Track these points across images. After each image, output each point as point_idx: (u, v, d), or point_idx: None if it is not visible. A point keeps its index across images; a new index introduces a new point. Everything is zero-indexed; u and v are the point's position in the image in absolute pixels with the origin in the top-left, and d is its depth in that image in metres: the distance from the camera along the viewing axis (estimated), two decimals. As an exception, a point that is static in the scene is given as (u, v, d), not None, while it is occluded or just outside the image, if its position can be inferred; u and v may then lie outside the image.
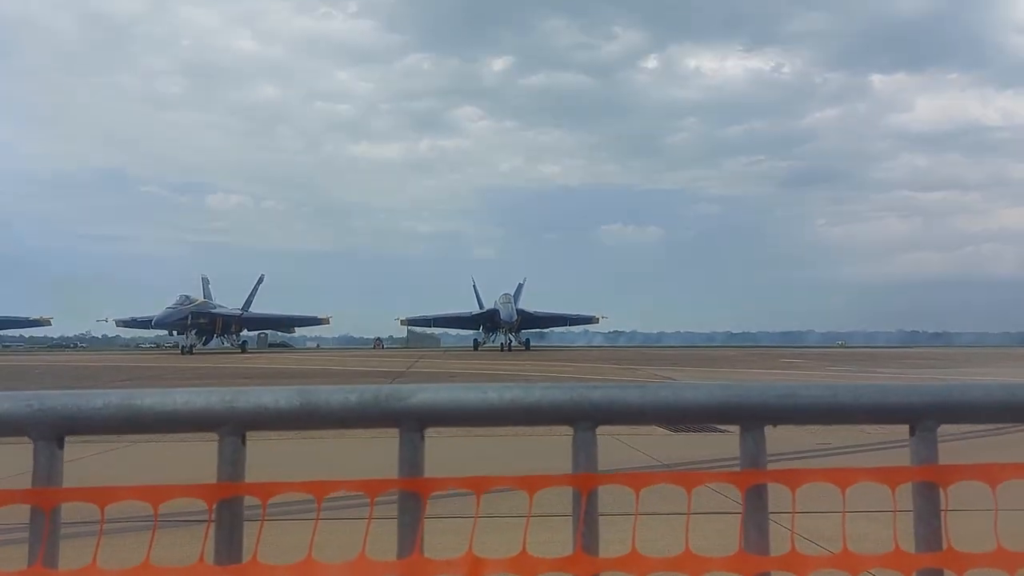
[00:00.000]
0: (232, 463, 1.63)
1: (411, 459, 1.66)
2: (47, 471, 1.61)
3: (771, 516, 1.68)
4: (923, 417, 1.69)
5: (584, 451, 1.67)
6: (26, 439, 1.60)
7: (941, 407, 1.70)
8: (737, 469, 1.68)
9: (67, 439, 1.62)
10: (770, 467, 1.66)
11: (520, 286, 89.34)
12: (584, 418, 1.67)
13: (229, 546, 1.60)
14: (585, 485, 1.64)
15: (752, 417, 1.69)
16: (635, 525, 1.61)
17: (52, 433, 1.60)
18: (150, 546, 1.58)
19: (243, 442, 1.65)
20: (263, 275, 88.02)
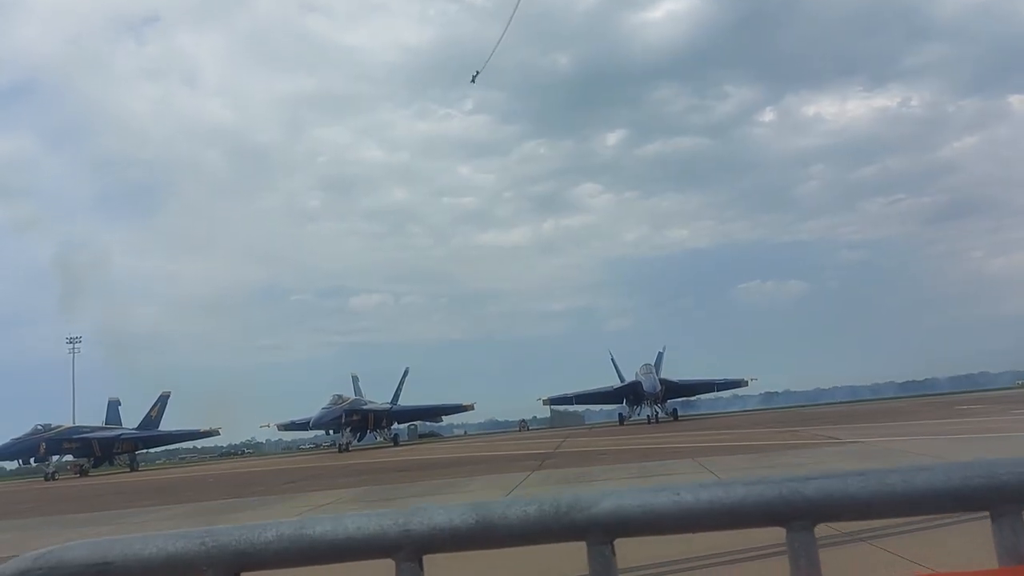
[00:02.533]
0: (411, 592, 1.51)
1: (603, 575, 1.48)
2: (227, 611, 1.54)
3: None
4: None
5: (804, 556, 1.45)
6: None
7: None
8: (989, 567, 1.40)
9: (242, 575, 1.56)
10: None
11: (660, 355, 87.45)
12: (798, 517, 1.45)
13: None
14: (810, 597, 1.40)
15: (1005, 500, 1.41)
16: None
17: (228, 570, 1.55)
18: None
19: (421, 567, 1.53)
20: (407, 368, 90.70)
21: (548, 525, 1.50)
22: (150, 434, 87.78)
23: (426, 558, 1.53)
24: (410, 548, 1.51)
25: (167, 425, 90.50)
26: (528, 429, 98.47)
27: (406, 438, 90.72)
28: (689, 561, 7.39)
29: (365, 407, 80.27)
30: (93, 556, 1.54)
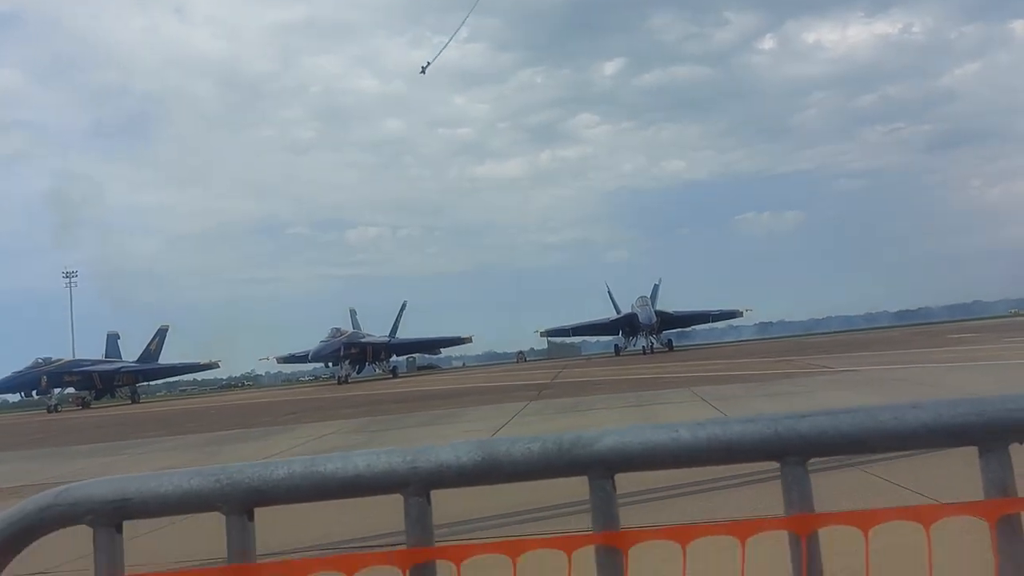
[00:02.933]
0: (421, 525, 1.57)
1: (604, 510, 1.54)
2: (241, 545, 1.60)
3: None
4: None
5: (796, 488, 1.50)
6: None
7: None
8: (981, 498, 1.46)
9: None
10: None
11: (656, 287, 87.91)
12: (792, 452, 1.50)
13: (426, 613, 1.54)
14: (804, 528, 1.47)
15: (993, 436, 1.46)
16: (868, 571, 1.42)
17: (242, 507, 1.60)
18: (348, 617, 1.54)
19: (428, 502, 1.59)
20: (405, 301, 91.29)
21: (551, 462, 1.55)
22: (150, 367, 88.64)
23: (433, 493, 1.59)
24: (418, 484, 1.57)
25: (167, 358, 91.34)
26: (526, 360, 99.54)
27: (405, 370, 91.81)
28: (683, 487, 7.61)
29: (363, 340, 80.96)
30: (112, 493, 1.59)
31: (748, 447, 1.51)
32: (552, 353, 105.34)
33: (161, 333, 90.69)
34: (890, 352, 34.11)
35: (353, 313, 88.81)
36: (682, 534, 1.49)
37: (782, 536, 1.49)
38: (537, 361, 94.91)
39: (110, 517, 1.59)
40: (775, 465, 1.53)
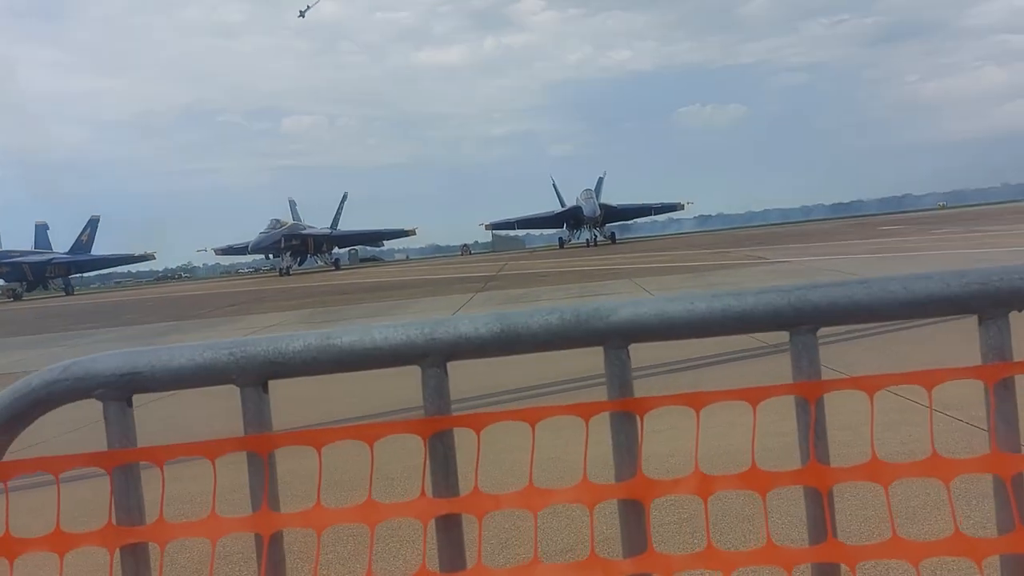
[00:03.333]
0: (439, 395, 1.58)
1: (621, 378, 1.58)
2: (257, 416, 1.60)
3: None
4: None
5: (806, 356, 1.55)
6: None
7: None
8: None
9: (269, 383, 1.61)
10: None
11: (600, 180, 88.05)
12: (804, 322, 1.54)
13: (446, 478, 1.57)
14: (812, 393, 1.53)
15: (995, 304, 1.52)
16: (872, 430, 1.49)
17: (257, 379, 1.59)
18: (370, 483, 1.57)
19: (446, 373, 1.60)
20: (346, 193, 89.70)
21: (569, 332, 1.57)
22: (83, 258, 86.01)
23: (450, 365, 1.60)
24: (436, 354, 1.57)
25: (99, 250, 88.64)
26: (470, 253, 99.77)
27: (347, 263, 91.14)
28: (695, 360, 8.01)
29: (304, 231, 79.71)
30: (122, 366, 1.55)
31: (761, 317, 1.55)
32: (497, 246, 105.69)
33: (92, 224, 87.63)
34: (823, 244, 35.24)
35: (293, 204, 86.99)
36: (695, 400, 1.54)
37: (790, 402, 1.55)
38: (482, 254, 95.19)
39: (121, 391, 1.56)
40: (784, 339, 1.58)
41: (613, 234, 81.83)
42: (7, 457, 1.57)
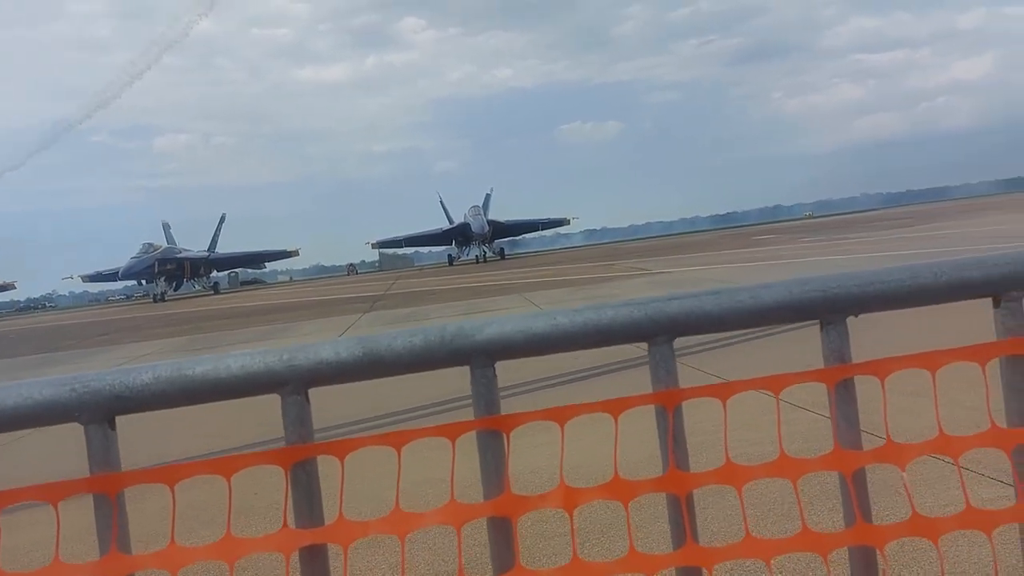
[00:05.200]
0: (300, 423, 1.53)
1: (487, 396, 1.58)
2: (103, 455, 1.50)
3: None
4: (1008, 288, 1.63)
5: (664, 366, 1.60)
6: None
7: (1024, 277, 1.63)
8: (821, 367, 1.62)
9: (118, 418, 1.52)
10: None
11: (488, 196, 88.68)
12: (661, 333, 1.59)
13: (310, 509, 1.53)
14: (670, 401, 1.57)
15: (834, 310, 1.62)
16: (726, 436, 1.55)
17: (103, 415, 1.49)
18: (229, 517, 1.50)
19: (307, 400, 1.55)
20: (224, 214, 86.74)
21: (434, 353, 1.56)
22: (-71, 291, 79.34)
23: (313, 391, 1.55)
24: (296, 381, 1.52)
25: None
26: (357, 273, 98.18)
27: (227, 286, 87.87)
28: (561, 376, 8.06)
29: (179, 255, 76.36)
30: (-54, 409, 1.43)
31: (621, 329, 1.59)
32: (385, 265, 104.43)
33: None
34: (702, 254, 36.74)
35: (167, 227, 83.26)
36: (558, 415, 1.56)
37: (650, 411, 1.59)
38: (369, 274, 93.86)
39: (-54, 435, 1.44)
40: (643, 355, 1.62)
41: (502, 250, 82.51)
42: None
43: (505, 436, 1.56)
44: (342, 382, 1.56)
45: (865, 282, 1.62)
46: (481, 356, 1.57)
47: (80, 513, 1.59)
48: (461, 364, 1.57)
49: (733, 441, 1.62)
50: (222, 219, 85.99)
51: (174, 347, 20.28)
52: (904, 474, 1.54)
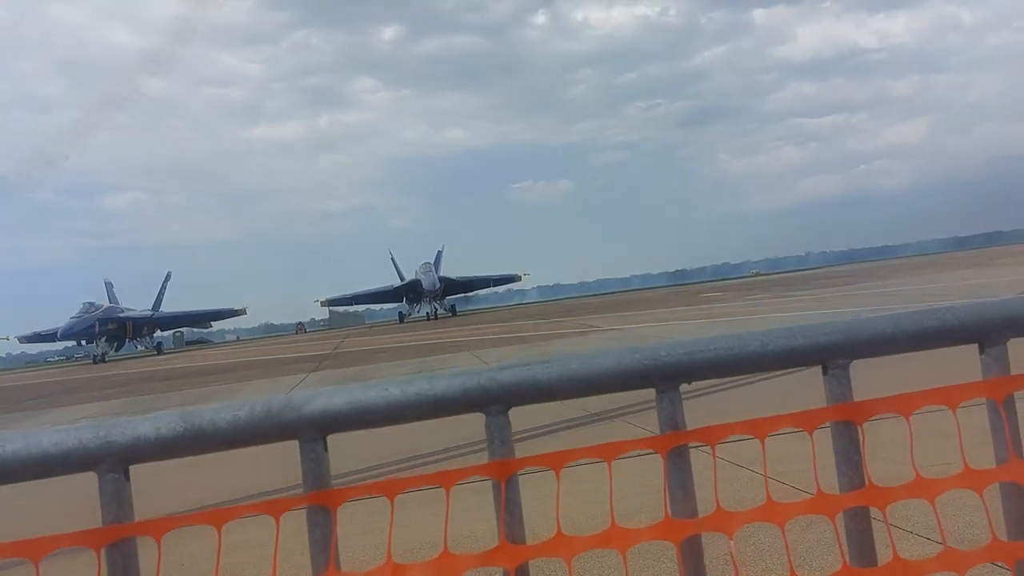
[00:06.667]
0: (117, 502, 1.48)
1: (315, 471, 1.55)
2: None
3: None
4: (835, 356, 1.67)
5: (499, 436, 1.60)
6: None
7: (851, 344, 1.68)
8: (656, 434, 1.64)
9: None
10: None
11: (439, 253, 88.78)
12: (494, 403, 1.59)
13: (125, 593, 1.47)
14: (502, 473, 1.56)
15: (665, 378, 1.64)
16: (558, 506, 1.55)
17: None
18: (34, 606, 1.43)
19: (126, 477, 1.51)
20: (169, 272, 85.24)
21: (260, 427, 1.53)
22: None
23: (135, 468, 1.51)
24: (114, 458, 1.48)
25: None
26: (306, 332, 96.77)
27: (171, 346, 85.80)
28: (404, 461, 7.69)
29: (122, 314, 74.51)
30: None
31: (454, 399, 1.58)
32: (334, 323, 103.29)
33: None
34: (650, 311, 37.12)
35: (110, 286, 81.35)
36: (389, 488, 1.54)
37: (488, 484, 1.58)
38: (318, 332, 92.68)
39: None
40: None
41: (454, 307, 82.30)
42: None
43: (333, 511, 1.53)
44: (165, 458, 1.52)
45: (694, 350, 1.64)
46: (309, 429, 1.55)
47: None
48: (289, 438, 1.55)
49: (569, 519, 1.61)
50: (167, 277, 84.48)
51: (109, 411, 19.63)
52: (732, 543, 1.55)
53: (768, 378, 8.56)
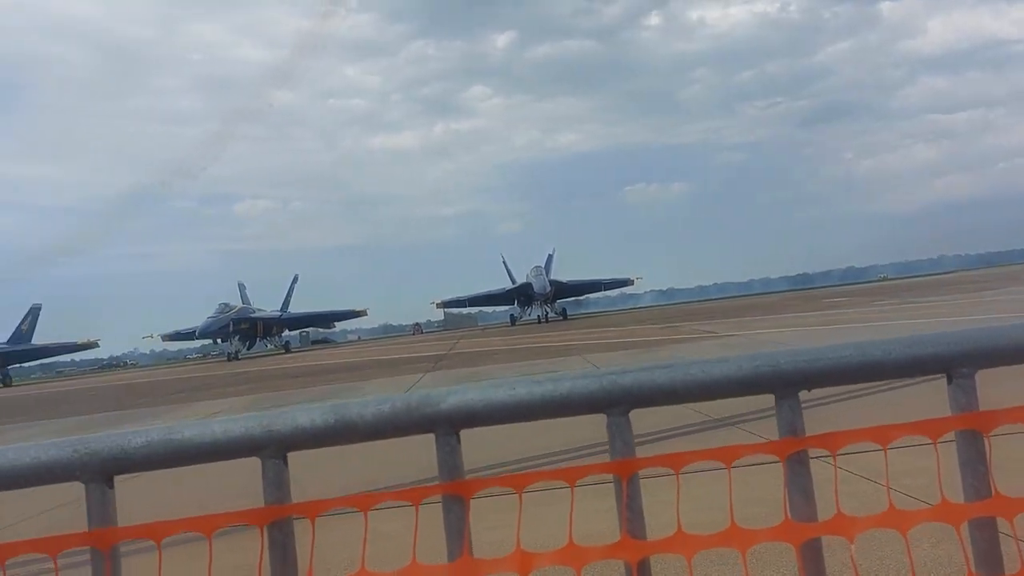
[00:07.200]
0: (277, 485, 1.66)
1: (450, 463, 1.68)
2: (101, 512, 1.66)
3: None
4: (960, 365, 1.66)
5: (620, 437, 1.68)
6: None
7: (977, 353, 1.67)
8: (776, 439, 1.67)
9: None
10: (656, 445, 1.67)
11: (550, 257, 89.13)
12: (616, 404, 1.67)
13: (284, 566, 1.64)
14: (625, 471, 1.65)
15: (785, 384, 1.68)
16: (678, 505, 1.61)
17: (101, 475, 1.65)
18: (209, 573, 1.63)
19: (285, 463, 1.68)
20: (296, 275, 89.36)
21: (400, 420, 1.67)
22: (22, 348, 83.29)
23: (292, 455, 1.69)
24: (275, 446, 1.66)
25: (40, 339, 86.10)
26: (422, 332, 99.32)
27: (298, 345, 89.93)
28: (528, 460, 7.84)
29: (254, 315, 78.76)
30: (-38, 467, 1.61)
31: (578, 401, 1.68)
32: (449, 325, 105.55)
33: (33, 312, 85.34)
34: (770, 317, 35.99)
35: (242, 287, 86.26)
36: (518, 481, 1.65)
37: (608, 479, 1.66)
38: (433, 333, 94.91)
39: (-38, 491, 1.61)
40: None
41: (564, 310, 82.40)
42: None
43: (466, 500, 1.66)
44: (317, 447, 1.69)
45: (815, 357, 1.67)
46: (445, 424, 1.68)
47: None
48: (427, 431, 1.69)
49: (689, 518, 1.67)
50: (295, 280, 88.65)
51: (243, 405, 20.83)
52: (853, 547, 1.57)
53: (887, 389, 8.22)
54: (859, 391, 8.65)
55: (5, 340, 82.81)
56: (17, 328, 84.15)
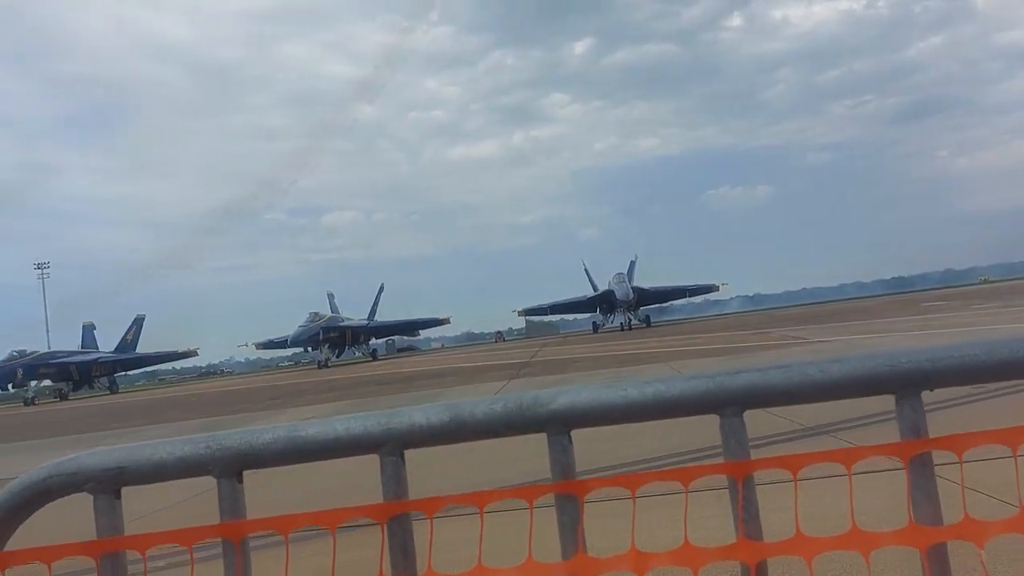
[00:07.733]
0: (396, 481, 1.72)
1: (562, 462, 1.70)
2: (231, 504, 1.74)
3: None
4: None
5: (734, 438, 1.66)
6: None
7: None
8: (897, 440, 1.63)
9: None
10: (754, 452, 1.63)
11: (632, 263, 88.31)
12: (729, 405, 1.66)
13: (404, 559, 1.69)
14: (740, 472, 1.63)
15: (906, 384, 1.63)
16: (796, 507, 1.59)
17: (231, 470, 1.74)
18: (333, 567, 1.69)
19: (403, 460, 1.74)
20: (383, 284, 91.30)
21: (512, 420, 1.70)
22: (127, 357, 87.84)
23: (408, 452, 1.74)
24: (393, 443, 1.71)
25: (144, 348, 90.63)
26: (504, 340, 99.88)
27: (384, 352, 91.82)
28: (639, 463, 7.78)
29: (342, 323, 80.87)
30: (109, 462, 1.72)
31: (690, 402, 1.67)
32: (530, 332, 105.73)
33: (138, 323, 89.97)
34: (863, 322, 34.70)
35: (331, 297, 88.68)
36: (631, 481, 1.65)
37: (722, 480, 1.65)
38: (516, 340, 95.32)
39: (108, 484, 1.73)
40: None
41: (648, 317, 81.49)
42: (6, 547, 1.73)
43: (579, 499, 1.67)
44: (432, 444, 1.74)
45: (937, 356, 1.62)
46: (556, 423, 1.70)
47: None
48: (538, 431, 1.71)
49: (806, 521, 1.64)
50: (381, 289, 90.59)
51: (333, 411, 21.41)
52: (982, 552, 1.51)
53: (1013, 391, 7.82)
54: (977, 395, 8.26)
55: (112, 349, 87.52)
56: (123, 338, 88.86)
